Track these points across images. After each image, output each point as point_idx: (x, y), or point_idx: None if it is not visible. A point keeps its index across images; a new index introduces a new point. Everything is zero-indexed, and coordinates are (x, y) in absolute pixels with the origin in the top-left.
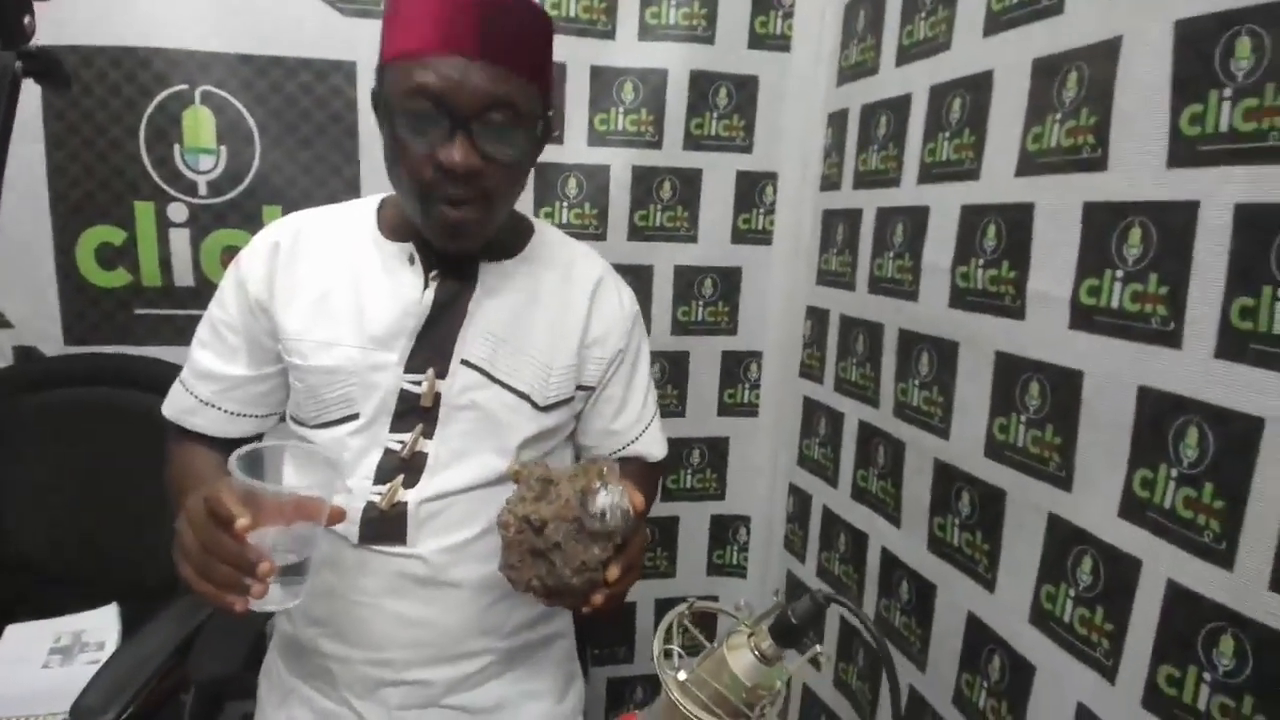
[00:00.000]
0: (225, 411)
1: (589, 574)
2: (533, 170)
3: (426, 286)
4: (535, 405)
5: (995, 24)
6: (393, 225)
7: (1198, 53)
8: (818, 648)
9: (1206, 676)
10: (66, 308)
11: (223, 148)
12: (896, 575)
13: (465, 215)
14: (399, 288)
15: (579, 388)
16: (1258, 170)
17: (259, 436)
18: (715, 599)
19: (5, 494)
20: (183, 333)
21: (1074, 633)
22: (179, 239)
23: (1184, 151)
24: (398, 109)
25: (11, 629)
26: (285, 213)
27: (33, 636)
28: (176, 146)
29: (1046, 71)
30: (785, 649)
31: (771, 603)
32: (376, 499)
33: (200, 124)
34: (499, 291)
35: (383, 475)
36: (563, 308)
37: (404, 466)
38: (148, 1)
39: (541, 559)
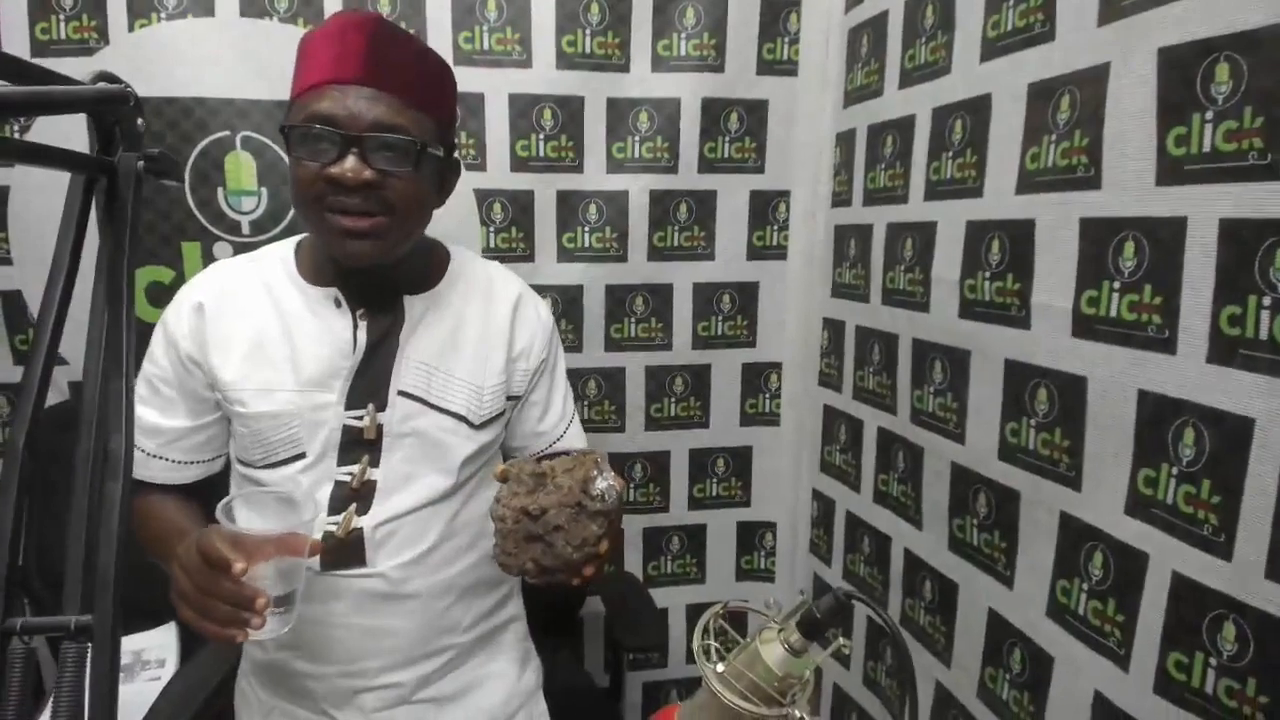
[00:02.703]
0: (172, 461)
1: (589, 549)
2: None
3: (356, 326)
4: (471, 425)
5: (991, 50)
6: (313, 268)
7: (1181, 78)
8: (841, 640)
9: (1212, 661)
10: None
11: (263, 189)
12: (920, 575)
13: (365, 225)
14: (330, 330)
15: (508, 398)
16: (1239, 188)
17: (209, 479)
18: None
19: (62, 523)
20: None
21: (1088, 624)
22: None
23: (1171, 170)
24: (295, 135)
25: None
26: None
27: None
28: (220, 189)
29: (1041, 95)
30: (812, 641)
31: (798, 601)
32: (333, 528)
33: (241, 167)
34: (425, 321)
35: (336, 505)
36: (486, 327)
37: (355, 496)
38: (189, 54)
39: (537, 542)
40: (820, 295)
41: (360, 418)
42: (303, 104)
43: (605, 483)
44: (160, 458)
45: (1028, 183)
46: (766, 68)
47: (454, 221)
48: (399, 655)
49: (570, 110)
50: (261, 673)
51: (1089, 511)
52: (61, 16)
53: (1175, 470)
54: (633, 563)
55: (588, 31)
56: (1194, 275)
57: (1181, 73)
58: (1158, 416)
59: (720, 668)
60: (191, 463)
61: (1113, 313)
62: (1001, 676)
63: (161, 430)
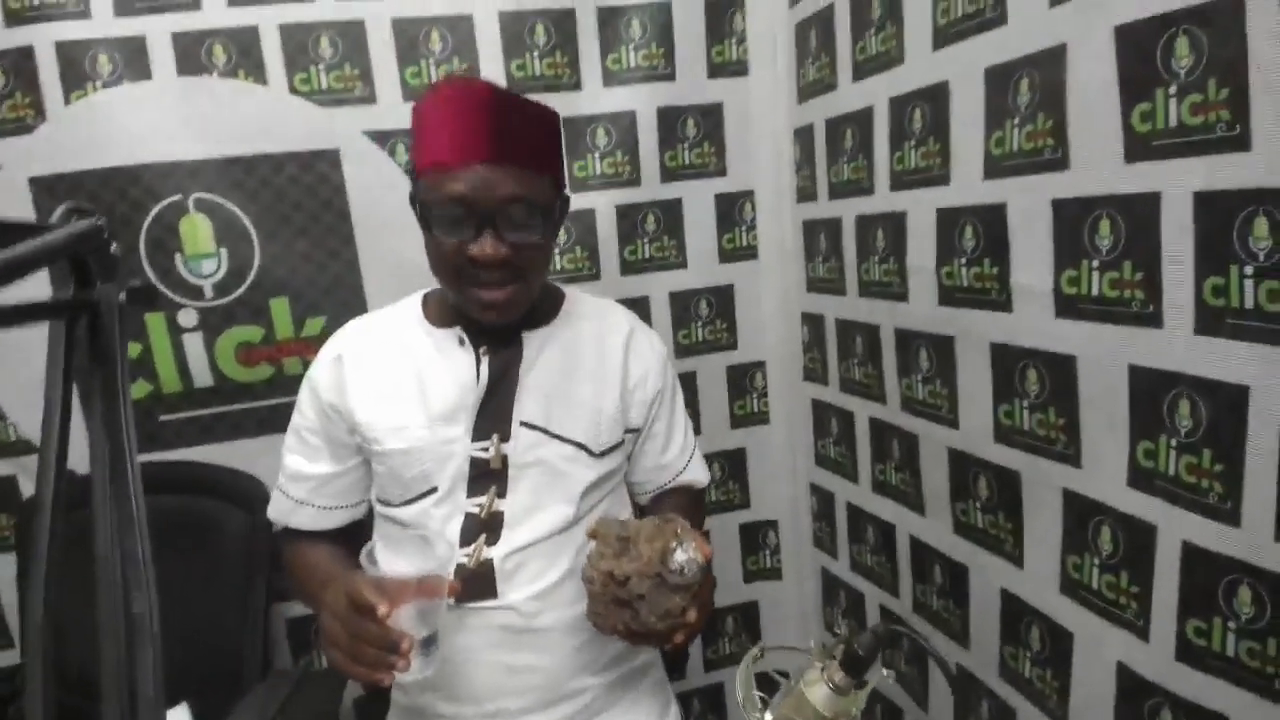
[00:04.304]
0: (319, 507)
1: (672, 620)
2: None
3: (479, 362)
4: (591, 453)
5: (944, 37)
6: (438, 314)
7: (1140, 54)
8: (885, 672)
9: (1231, 625)
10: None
11: (223, 250)
12: (927, 561)
13: (500, 296)
14: (455, 368)
15: (627, 431)
16: (1210, 160)
17: (354, 523)
18: (756, 604)
19: (61, 615)
20: (208, 432)
21: (1103, 598)
22: (193, 343)
23: (1139, 147)
24: (434, 215)
25: None
26: (292, 302)
27: None
28: (178, 255)
29: (999, 79)
30: (856, 678)
31: (838, 636)
32: (465, 560)
33: (197, 230)
34: (543, 355)
35: (466, 537)
36: (602, 360)
37: (484, 526)
38: (131, 120)
39: (625, 607)
40: (796, 291)
41: (486, 449)
42: (434, 184)
43: (685, 555)
44: (308, 504)
45: (995, 167)
46: (717, 70)
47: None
48: (537, 695)
49: None
50: (407, 715)
51: (1092, 487)
52: None
53: (1174, 442)
54: None
55: (535, 54)
56: (1173, 249)
57: (1140, 49)
58: (1151, 390)
59: (769, 717)
60: (336, 507)
61: (1095, 291)
62: (1022, 655)
63: (308, 476)
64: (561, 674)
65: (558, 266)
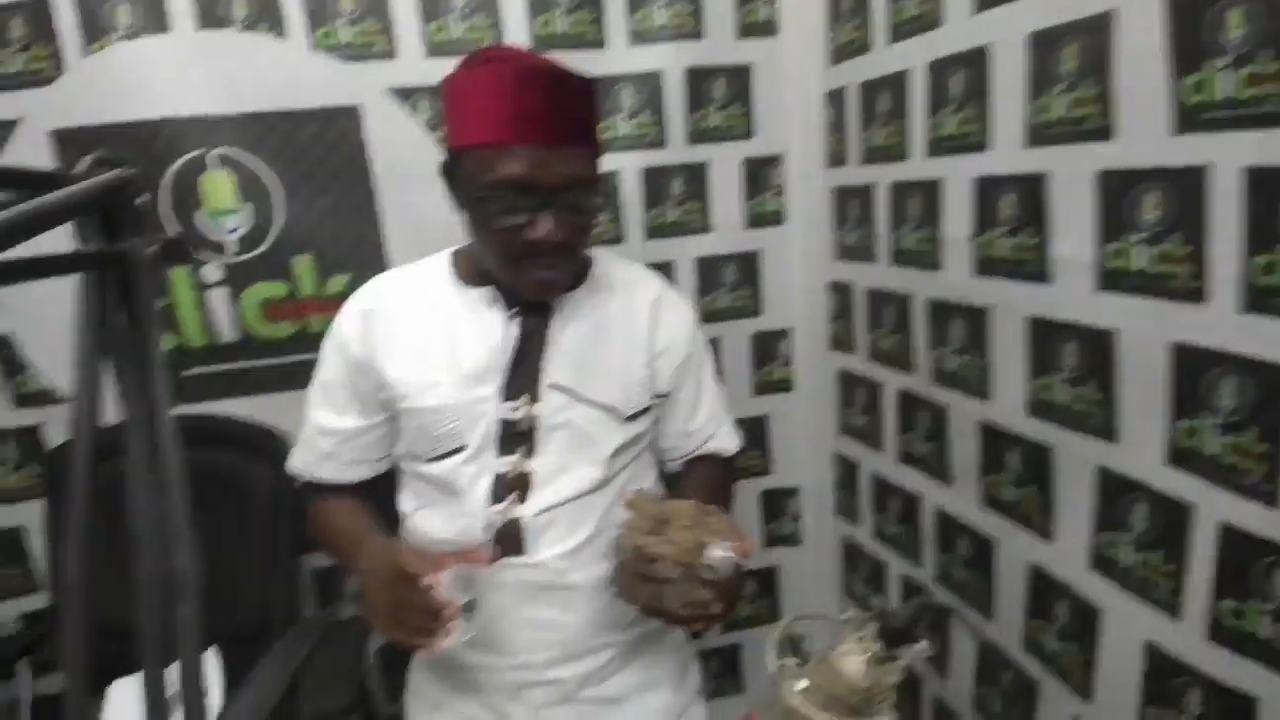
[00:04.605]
0: (344, 461)
1: (695, 610)
2: None
3: (510, 323)
4: (620, 416)
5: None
6: (470, 274)
7: (1191, 24)
8: (921, 645)
9: (1267, 607)
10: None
11: (245, 206)
12: (953, 533)
13: (556, 276)
14: (486, 328)
15: (655, 396)
16: (1262, 135)
17: (376, 478)
18: (775, 569)
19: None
20: (232, 387)
21: (1135, 575)
22: (217, 298)
23: (1188, 119)
24: (486, 194)
25: (116, 685)
26: (316, 259)
27: (139, 690)
28: (199, 212)
29: (1043, 45)
30: (893, 649)
31: (874, 609)
32: (495, 517)
33: (219, 186)
34: (573, 318)
35: (497, 495)
36: (630, 324)
37: (514, 485)
38: (149, 74)
39: (651, 583)
40: (824, 258)
41: (516, 409)
42: (485, 163)
43: (720, 553)
44: (333, 458)
45: (1037, 135)
46: (747, 30)
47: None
48: (564, 649)
49: None
50: (434, 666)
51: (1128, 464)
52: (13, 49)
53: (1217, 421)
54: None
55: (560, 11)
56: (1220, 224)
57: (1191, 19)
58: (1194, 368)
59: (803, 684)
60: (361, 461)
61: (1138, 265)
62: (1048, 629)
63: (334, 431)
64: (586, 630)
65: None
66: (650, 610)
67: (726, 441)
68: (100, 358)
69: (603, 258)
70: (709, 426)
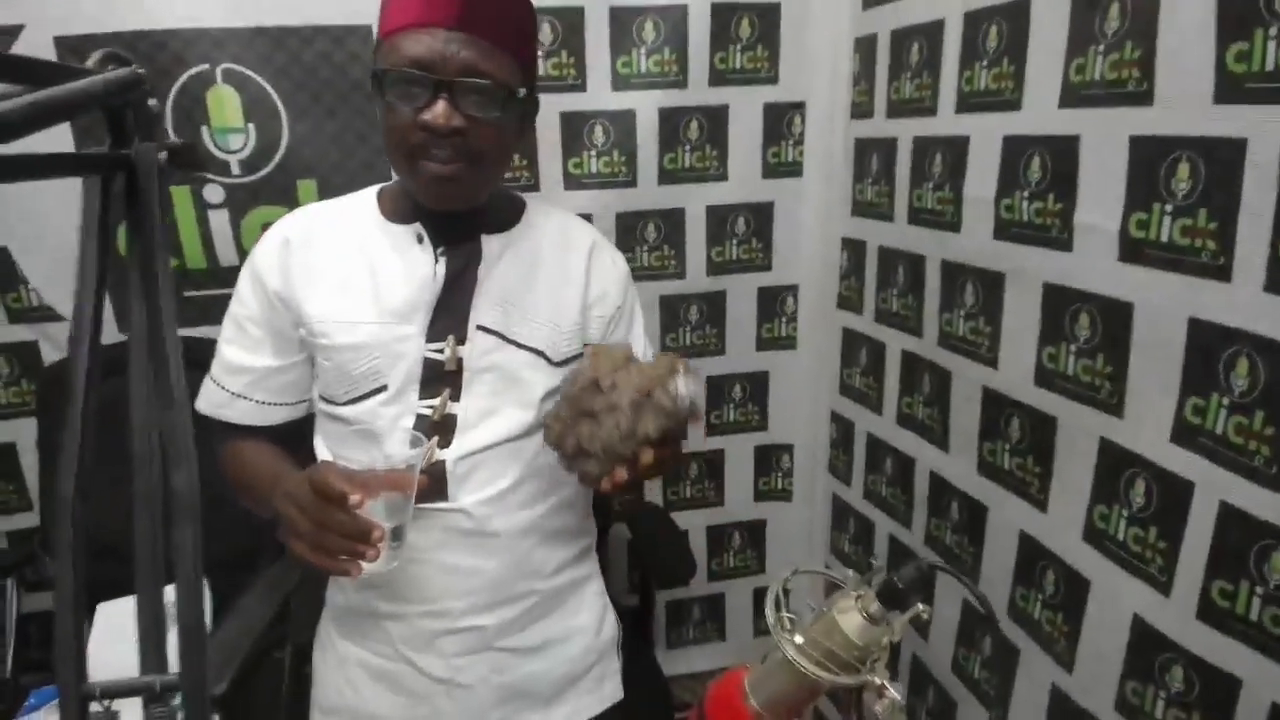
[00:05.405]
0: (257, 402)
1: (632, 444)
2: (560, 123)
3: (436, 262)
4: (550, 361)
5: None
6: (396, 209)
7: None
8: (920, 607)
9: (1259, 590)
10: (115, 297)
11: (251, 125)
12: (945, 497)
13: (447, 171)
14: (412, 265)
15: (585, 345)
16: None
17: (293, 423)
18: (763, 523)
19: (85, 485)
20: None
21: (1128, 550)
22: (218, 219)
23: (1231, 88)
24: (388, 79)
25: (103, 607)
26: (320, 185)
27: (126, 612)
28: (204, 128)
29: (1088, 1)
30: (890, 610)
31: (874, 567)
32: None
33: (225, 103)
34: (503, 260)
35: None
36: (562, 271)
37: (437, 429)
38: None
39: (589, 420)
40: (840, 214)
41: (440, 350)
42: (392, 47)
43: (688, 386)
44: (245, 398)
45: (1072, 96)
46: None
47: None
48: (482, 596)
49: (569, 23)
50: (341, 619)
51: (1132, 439)
52: None
53: (1226, 400)
54: (652, 488)
55: None
56: (1253, 201)
57: None
58: (1209, 345)
59: (799, 639)
60: (276, 404)
61: (1164, 237)
62: (1034, 597)
63: (247, 369)
64: (506, 578)
65: (593, 169)
66: (577, 450)
67: None
68: (104, 267)
69: (535, 205)
70: None
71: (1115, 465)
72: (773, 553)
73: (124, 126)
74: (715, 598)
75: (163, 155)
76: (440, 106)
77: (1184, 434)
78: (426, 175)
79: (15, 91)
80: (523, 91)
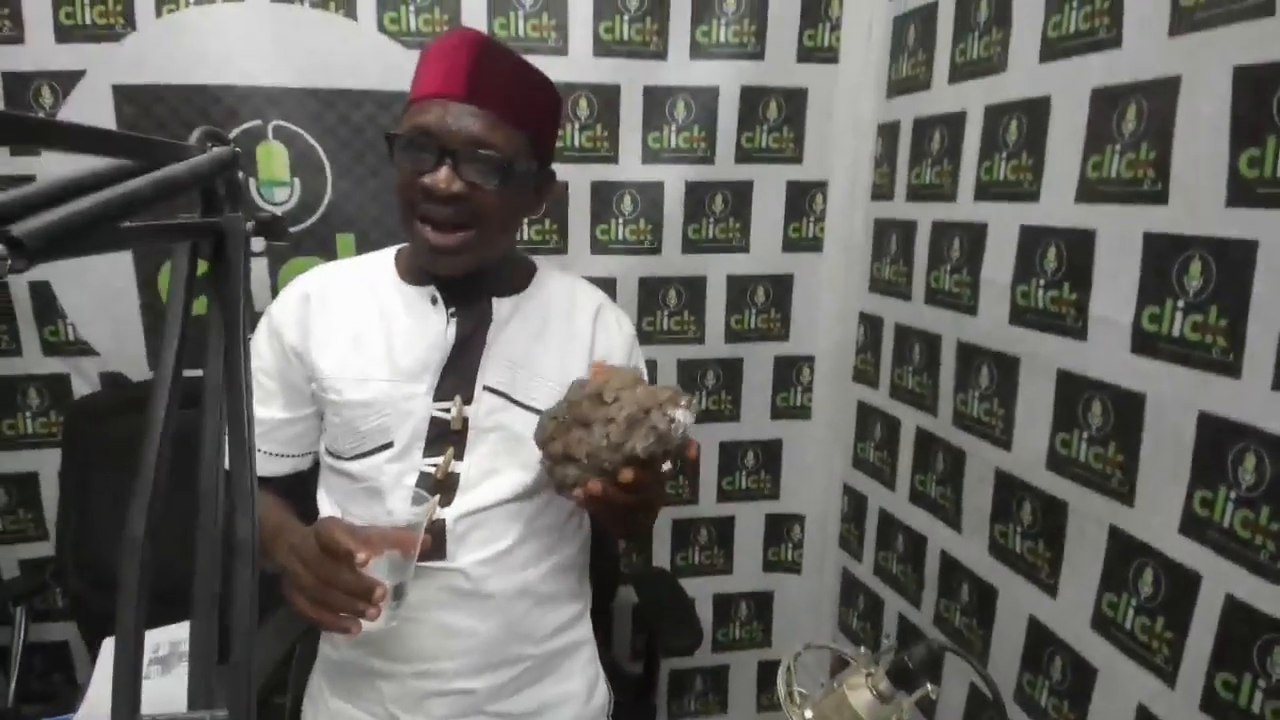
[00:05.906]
0: (265, 453)
1: (618, 456)
2: (590, 191)
3: (448, 323)
4: None
5: (1052, 50)
6: (412, 271)
7: (1256, 99)
8: (929, 687)
9: (1261, 684)
10: (151, 335)
11: (296, 179)
12: (956, 578)
13: (449, 241)
14: (424, 325)
15: (595, 362)
16: None
17: (297, 475)
18: (771, 594)
19: (99, 517)
20: None
21: (1135, 639)
22: (258, 267)
23: (1243, 192)
24: (398, 142)
25: (110, 642)
26: (358, 239)
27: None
28: (252, 180)
29: (1105, 102)
30: (900, 689)
31: (884, 645)
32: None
33: (274, 157)
34: (512, 323)
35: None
36: (569, 334)
37: (439, 487)
38: (217, 40)
39: (580, 429)
40: (858, 289)
41: (447, 409)
42: (410, 115)
43: (685, 416)
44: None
45: (1089, 191)
46: (807, 55)
47: None
48: (474, 658)
49: (606, 98)
50: (333, 674)
51: (1141, 528)
52: (85, 2)
53: (1234, 494)
54: (661, 553)
55: (626, 18)
56: (1263, 301)
57: (1257, 93)
58: (1218, 439)
59: (809, 714)
60: (283, 455)
61: (1175, 332)
62: (1040, 683)
63: (258, 420)
64: (499, 640)
65: (620, 236)
66: (563, 456)
67: None
68: (187, 324)
69: (546, 269)
70: None
71: (1124, 553)
72: (779, 625)
73: (214, 198)
74: (719, 669)
75: (250, 225)
76: (443, 172)
77: (1192, 525)
78: (427, 242)
79: (127, 167)
80: (528, 164)
